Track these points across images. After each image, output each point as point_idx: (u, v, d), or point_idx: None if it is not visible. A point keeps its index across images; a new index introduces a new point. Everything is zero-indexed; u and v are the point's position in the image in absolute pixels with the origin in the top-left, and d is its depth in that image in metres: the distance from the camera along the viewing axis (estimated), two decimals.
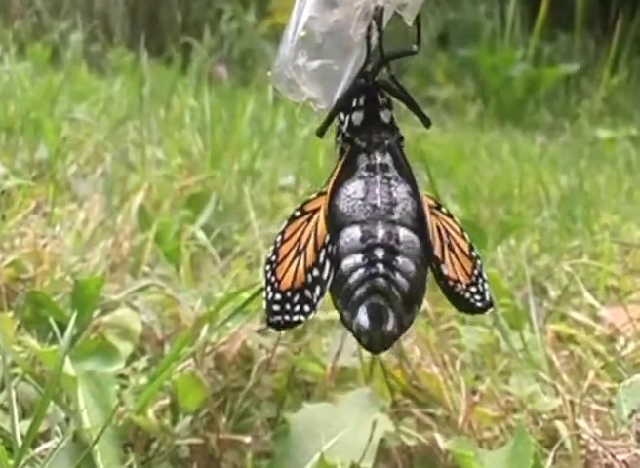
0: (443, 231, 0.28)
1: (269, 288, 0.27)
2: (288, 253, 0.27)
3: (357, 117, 0.27)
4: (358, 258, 0.25)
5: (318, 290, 0.26)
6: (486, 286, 0.28)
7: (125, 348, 0.51)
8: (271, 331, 0.28)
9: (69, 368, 0.43)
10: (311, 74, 0.24)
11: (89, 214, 0.72)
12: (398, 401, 0.49)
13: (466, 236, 0.29)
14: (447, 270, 0.27)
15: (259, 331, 0.49)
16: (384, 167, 0.27)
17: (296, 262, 0.27)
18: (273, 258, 0.27)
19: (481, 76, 2.66)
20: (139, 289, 0.59)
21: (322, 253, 0.26)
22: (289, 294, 0.27)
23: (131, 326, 0.54)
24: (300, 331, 0.54)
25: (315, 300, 0.26)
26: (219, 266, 0.67)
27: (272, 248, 0.27)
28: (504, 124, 2.24)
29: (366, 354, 0.49)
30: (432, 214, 0.28)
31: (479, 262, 0.29)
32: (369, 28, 0.24)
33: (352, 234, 0.26)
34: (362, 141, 0.27)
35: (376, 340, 0.25)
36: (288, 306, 0.27)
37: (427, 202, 0.27)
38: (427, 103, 2.37)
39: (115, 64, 1.75)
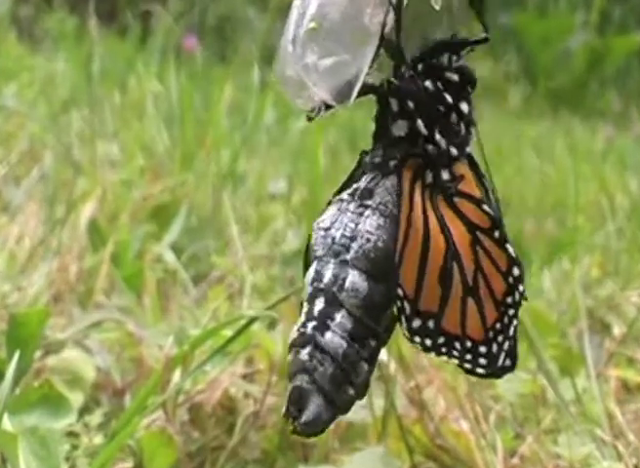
0: (469, 270, 0.29)
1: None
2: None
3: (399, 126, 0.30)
4: (305, 308, 0.28)
5: None
6: (505, 345, 0.30)
7: (75, 399, 0.53)
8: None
9: (6, 422, 0.46)
10: (323, 73, 0.27)
11: (24, 229, 0.75)
12: (418, 464, 0.51)
13: (515, 272, 0.30)
14: (431, 322, 0.29)
15: (245, 377, 0.52)
16: (366, 193, 0.29)
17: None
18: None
19: (528, 49, 2.68)
20: (91, 324, 0.61)
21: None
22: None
23: (82, 371, 0.56)
24: None
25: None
26: (192, 295, 0.69)
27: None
28: (558, 111, 2.26)
29: (378, 405, 0.51)
30: (472, 243, 0.29)
31: (510, 312, 0.30)
32: (387, 14, 0.26)
33: (310, 273, 0.29)
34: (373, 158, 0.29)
35: (300, 431, 0.28)
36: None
37: (480, 222, 0.29)
38: None
39: (55, 34, 1.78)
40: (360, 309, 0.28)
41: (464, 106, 0.30)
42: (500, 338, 0.30)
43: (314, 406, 0.27)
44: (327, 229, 0.28)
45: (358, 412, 0.52)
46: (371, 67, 0.27)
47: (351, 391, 0.28)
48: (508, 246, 0.29)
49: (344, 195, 0.29)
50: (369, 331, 0.28)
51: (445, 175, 0.29)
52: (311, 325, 0.28)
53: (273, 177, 1.02)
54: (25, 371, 0.53)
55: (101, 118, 1.12)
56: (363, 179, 0.29)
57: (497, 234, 0.29)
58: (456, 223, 0.29)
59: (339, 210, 0.29)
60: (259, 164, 1.05)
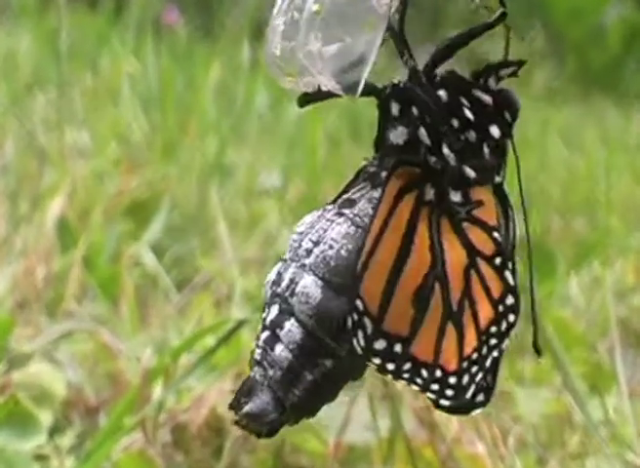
0: (456, 296, 0.30)
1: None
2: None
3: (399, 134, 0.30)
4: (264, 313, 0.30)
5: None
6: (477, 378, 0.30)
7: (44, 418, 0.54)
8: None
9: None
10: (329, 61, 0.28)
11: None
12: None
13: (507, 301, 0.31)
14: (398, 346, 0.30)
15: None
16: (347, 203, 0.30)
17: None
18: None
19: (555, 25, 2.69)
20: (61, 335, 0.62)
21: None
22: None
23: (51, 387, 0.57)
24: None
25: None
26: (175, 303, 0.70)
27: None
28: (589, 95, 2.26)
29: (384, 426, 0.52)
30: (469, 266, 0.30)
31: (492, 342, 0.30)
32: None
33: (270, 274, 0.30)
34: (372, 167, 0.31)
35: (241, 422, 0.30)
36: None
37: (483, 248, 0.30)
38: (478, 65, 2.40)
39: (17, 6, 1.79)
40: (312, 319, 0.29)
41: (494, 130, 0.31)
42: (473, 370, 0.30)
43: (260, 400, 0.29)
44: (300, 233, 0.30)
45: (361, 433, 0.53)
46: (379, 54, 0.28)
47: (299, 395, 0.29)
48: (508, 274, 0.30)
49: (330, 204, 0.30)
50: (322, 347, 0.29)
51: (455, 197, 0.30)
52: (264, 336, 0.29)
53: (266, 170, 1.03)
54: None
55: (70, 102, 1.12)
56: (353, 190, 0.30)
57: (498, 261, 0.30)
58: (455, 246, 0.29)
59: (318, 217, 0.30)
60: (249, 154, 1.05)
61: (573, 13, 2.65)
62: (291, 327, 0.29)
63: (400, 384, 0.54)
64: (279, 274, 0.30)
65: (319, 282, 0.29)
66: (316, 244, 0.29)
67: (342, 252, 0.29)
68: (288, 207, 0.93)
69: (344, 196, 0.30)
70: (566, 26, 2.66)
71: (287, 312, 0.29)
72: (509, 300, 0.30)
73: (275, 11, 0.28)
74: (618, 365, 0.62)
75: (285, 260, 0.30)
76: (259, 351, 0.30)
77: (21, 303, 0.67)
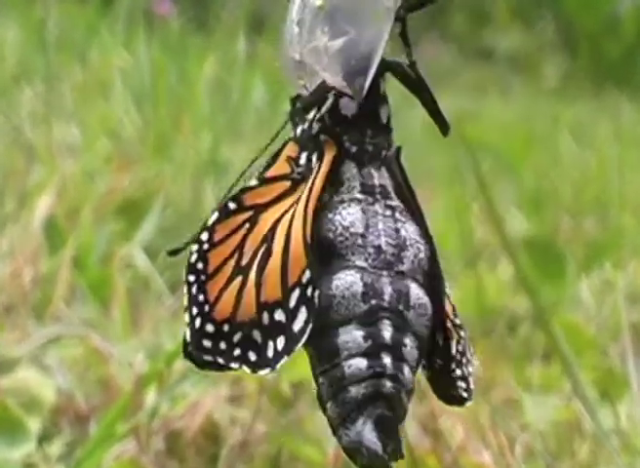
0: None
1: (196, 310, 0.30)
2: (223, 265, 0.30)
3: (347, 105, 0.30)
4: (357, 334, 0.28)
5: (281, 343, 0.29)
6: (469, 368, 0.31)
7: (32, 425, 0.55)
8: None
9: None
10: (334, 56, 0.28)
11: None
12: None
13: (449, 294, 0.31)
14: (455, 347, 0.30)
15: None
16: (385, 191, 0.30)
17: (237, 282, 0.30)
18: (200, 266, 0.30)
19: (567, 14, 2.69)
20: (49, 339, 0.63)
21: (295, 294, 0.29)
22: (226, 329, 0.29)
23: (40, 393, 0.58)
24: (290, 400, 0.58)
25: (272, 355, 0.29)
26: (168, 306, 0.70)
27: (196, 249, 0.30)
28: (602, 89, 2.26)
29: None
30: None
31: (463, 334, 0.31)
32: None
33: (351, 285, 0.28)
34: (352, 144, 0.30)
35: (379, 466, 0.28)
36: (223, 345, 0.29)
37: None
38: (483, 58, 2.41)
39: None
40: (428, 330, 0.29)
41: None
42: (464, 361, 0.31)
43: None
44: (362, 235, 0.29)
45: None
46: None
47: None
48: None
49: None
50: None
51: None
52: (388, 360, 0.29)
53: (262, 166, 1.03)
54: None
55: (59, 95, 1.13)
56: (360, 170, 0.31)
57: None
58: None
59: (365, 212, 0.30)
60: (245, 151, 1.06)
61: (585, 2, 2.65)
62: (411, 343, 0.28)
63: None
64: (367, 285, 0.29)
65: (422, 289, 0.29)
66: (402, 248, 0.29)
67: (425, 253, 0.29)
68: None
69: (371, 182, 0.30)
70: (578, 16, 2.65)
71: (402, 328, 0.28)
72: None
73: (294, 13, 0.29)
74: (630, 370, 0.62)
75: (360, 268, 0.29)
76: (390, 384, 0.28)
77: (8, 307, 0.68)
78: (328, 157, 0.30)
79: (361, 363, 0.28)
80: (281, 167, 0.30)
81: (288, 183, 0.30)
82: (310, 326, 0.28)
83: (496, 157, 1.19)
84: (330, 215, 0.29)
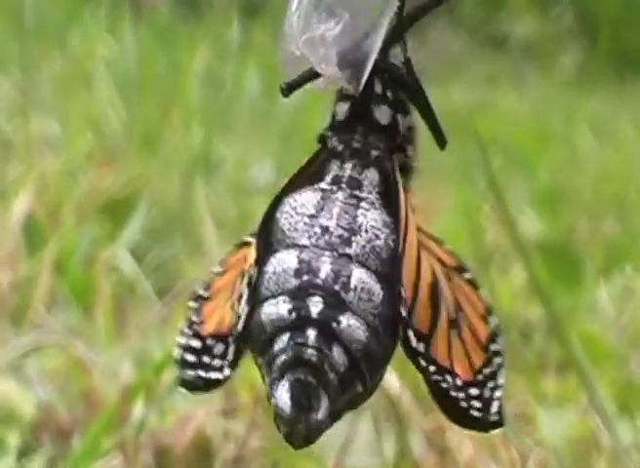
0: (450, 302, 0.32)
1: (186, 329, 0.32)
2: (222, 289, 0.32)
3: (342, 108, 0.32)
4: (283, 307, 0.29)
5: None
6: (497, 394, 0.31)
7: (10, 440, 0.55)
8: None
9: None
10: (332, 45, 0.29)
11: None
12: None
13: (492, 321, 0.32)
14: (421, 345, 0.31)
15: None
16: (355, 183, 0.31)
17: (226, 298, 0.32)
18: (203, 293, 0.32)
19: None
20: (29, 348, 0.63)
21: (244, 281, 0.30)
22: (210, 342, 0.31)
23: (18, 405, 0.58)
24: None
25: (230, 352, 0.30)
26: (156, 312, 0.71)
27: (205, 280, 0.32)
28: (624, 80, 2.26)
29: (390, 449, 0.53)
30: (447, 276, 0.32)
31: (498, 361, 0.32)
32: None
33: (284, 261, 0.29)
34: (339, 143, 0.31)
35: (299, 432, 0.29)
36: (206, 358, 0.31)
37: (446, 259, 0.32)
38: (495, 46, 2.41)
39: None
40: (377, 319, 0.30)
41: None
42: (490, 385, 0.32)
43: (324, 408, 0.29)
44: (310, 216, 0.30)
45: (364, 457, 0.54)
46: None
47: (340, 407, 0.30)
48: None
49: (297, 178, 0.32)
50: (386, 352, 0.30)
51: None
52: (312, 334, 0.30)
53: (258, 163, 1.04)
54: None
55: (37, 86, 1.13)
56: (332, 165, 0.32)
57: None
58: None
59: (322, 198, 0.31)
60: (239, 146, 1.06)
61: None
62: (348, 323, 0.29)
63: (407, 402, 0.55)
64: (303, 262, 0.29)
65: (373, 276, 0.29)
66: (355, 232, 0.30)
67: (390, 242, 0.30)
68: None
69: (343, 173, 0.31)
70: (598, 1, 2.66)
71: (337, 307, 0.29)
72: None
73: (294, 2, 0.29)
74: None
75: (300, 247, 0.29)
76: (311, 352, 0.28)
77: None
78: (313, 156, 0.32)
79: (284, 336, 0.28)
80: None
81: None
82: (247, 307, 0.29)
83: (508, 153, 1.19)
84: (285, 199, 0.30)
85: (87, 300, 0.70)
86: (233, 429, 0.55)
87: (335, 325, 0.28)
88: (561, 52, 2.48)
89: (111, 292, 0.71)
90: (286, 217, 0.30)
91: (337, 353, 0.28)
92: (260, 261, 0.29)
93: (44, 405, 0.59)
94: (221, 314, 0.31)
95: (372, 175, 0.31)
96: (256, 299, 0.29)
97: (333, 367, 0.28)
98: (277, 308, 0.29)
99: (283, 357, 0.28)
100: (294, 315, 0.28)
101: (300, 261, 0.29)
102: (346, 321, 0.29)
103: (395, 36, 0.30)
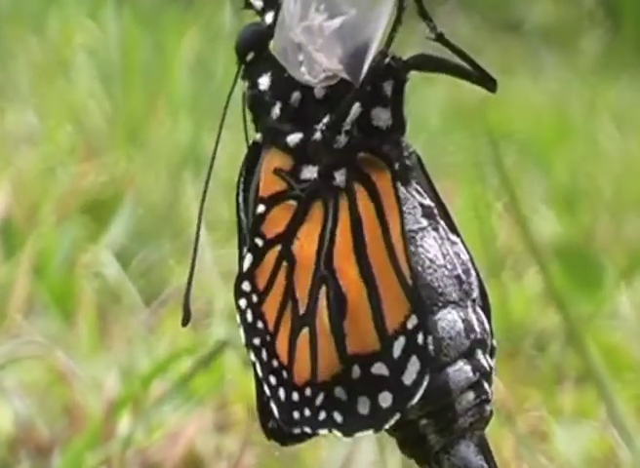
0: None
1: (275, 380, 0.30)
2: (280, 317, 0.31)
3: (381, 116, 0.31)
4: (467, 370, 0.31)
5: (386, 399, 0.30)
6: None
7: None
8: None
9: None
10: (330, 36, 0.29)
11: None
12: None
13: None
14: None
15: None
16: (433, 211, 0.32)
17: (305, 336, 0.30)
18: (261, 326, 0.31)
19: None
20: (6, 358, 0.63)
21: (400, 343, 0.30)
22: (309, 392, 0.30)
23: None
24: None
25: (368, 412, 0.30)
26: (143, 318, 0.71)
27: (245, 304, 0.31)
28: None
29: (395, 463, 0.54)
30: None
31: None
32: None
33: (454, 323, 0.31)
34: (395, 161, 0.31)
35: None
36: (308, 411, 0.30)
37: None
38: (510, 31, 2.41)
39: None
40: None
41: None
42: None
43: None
44: (450, 270, 0.32)
45: None
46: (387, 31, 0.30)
47: None
48: None
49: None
50: None
51: None
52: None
53: None
54: None
55: (12, 75, 1.13)
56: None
57: None
58: None
59: (435, 238, 0.32)
60: (230, 140, 1.06)
61: None
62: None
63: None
64: (465, 321, 0.31)
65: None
66: (468, 274, 0.31)
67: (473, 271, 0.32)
68: None
69: (427, 202, 0.31)
70: None
71: (490, 353, 0.32)
72: None
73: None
74: None
75: (454, 303, 0.31)
76: (489, 408, 0.31)
77: None
78: (385, 181, 0.31)
79: (469, 395, 0.31)
80: (272, 182, 0.31)
81: (293, 203, 0.31)
82: (427, 376, 0.30)
83: (523, 148, 1.19)
84: (412, 248, 0.30)
85: (68, 307, 0.70)
86: (226, 445, 0.56)
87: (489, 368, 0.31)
88: (581, 37, 2.48)
89: (94, 299, 0.71)
90: (429, 272, 0.31)
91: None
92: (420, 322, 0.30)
93: (22, 420, 0.59)
94: (306, 354, 0.30)
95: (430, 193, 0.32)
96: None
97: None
98: (463, 373, 0.30)
99: (469, 419, 0.30)
100: (477, 374, 0.31)
101: (464, 321, 0.31)
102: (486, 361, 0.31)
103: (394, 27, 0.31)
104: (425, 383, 0.30)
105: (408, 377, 0.30)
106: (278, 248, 0.31)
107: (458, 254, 0.31)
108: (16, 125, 1.01)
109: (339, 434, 0.30)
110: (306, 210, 0.31)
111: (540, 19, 2.52)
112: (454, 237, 0.32)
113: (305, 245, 0.30)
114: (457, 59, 0.32)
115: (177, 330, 0.66)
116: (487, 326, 0.31)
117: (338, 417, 0.30)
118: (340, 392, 0.30)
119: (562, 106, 1.59)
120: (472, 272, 0.31)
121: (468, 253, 0.32)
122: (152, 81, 1.10)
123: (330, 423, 0.30)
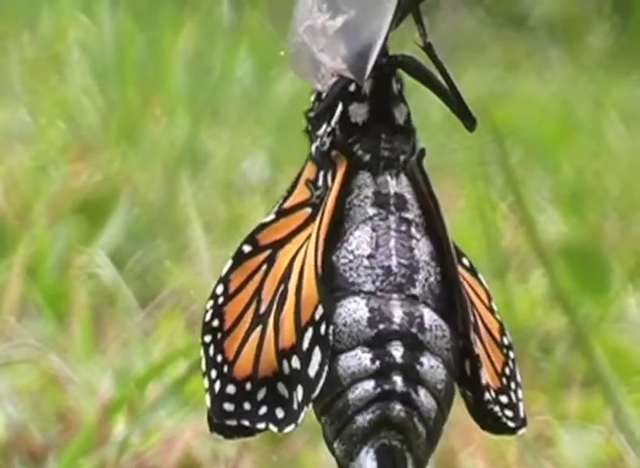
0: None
1: (215, 373, 0.32)
2: (241, 316, 0.32)
3: (357, 112, 0.32)
4: (364, 357, 0.30)
5: (300, 392, 0.31)
6: (520, 395, 0.33)
7: None
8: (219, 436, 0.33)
9: None
10: (334, 36, 0.30)
11: None
12: None
13: (495, 309, 0.33)
14: (486, 376, 0.32)
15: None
16: (401, 201, 0.32)
17: (257, 333, 0.31)
18: (216, 324, 0.32)
19: None
20: None
21: (308, 334, 0.30)
22: (249, 387, 0.31)
23: None
24: (283, 436, 0.59)
25: (296, 407, 0.31)
26: (138, 321, 0.71)
27: (210, 305, 0.32)
28: None
29: None
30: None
31: (512, 355, 0.33)
32: None
33: (355, 311, 0.30)
34: (365, 152, 0.32)
35: None
36: (247, 405, 0.31)
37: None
38: (515, 25, 2.41)
39: None
40: (450, 353, 0.31)
41: None
42: (512, 386, 0.33)
43: None
44: (369, 256, 0.31)
45: None
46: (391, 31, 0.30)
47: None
48: None
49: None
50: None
51: None
52: (399, 379, 0.30)
53: (249, 157, 1.04)
54: None
55: (4, 71, 1.13)
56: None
57: None
58: None
59: (377, 227, 0.32)
60: (228, 138, 1.06)
61: None
62: (430, 364, 0.30)
63: None
64: (374, 310, 0.30)
65: (435, 312, 0.31)
66: (413, 270, 0.31)
67: (436, 274, 0.31)
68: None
69: (385, 191, 0.32)
70: None
71: (417, 348, 0.30)
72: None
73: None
74: None
75: (367, 293, 0.31)
76: (399, 407, 0.30)
77: None
78: (339, 175, 0.31)
79: (367, 384, 0.30)
80: (301, 193, 0.32)
81: (309, 210, 0.32)
82: (326, 367, 0.30)
83: (528, 145, 1.19)
84: (344, 238, 0.31)
85: (62, 310, 0.71)
86: (223, 450, 0.56)
87: (418, 367, 0.30)
88: (588, 32, 2.48)
89: (89, 301, 0.71)
90: (344, 262, 0.31)
91: (423, 396, 0.30)
92: (328, 314, 0.30)
93: (15, 425, 0.59)
94: (252, 351, 0.31)
95: (408, 187, 0.32)
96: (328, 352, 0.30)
97: (422, 416, 0.30)
98: (357, 359, 0.30)
99: (368, 416, 0.29)
100: (377, 363, 0.30)
101: (372, 310, 0.30)
102: (428, 362, 0.30)
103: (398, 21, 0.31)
104: (324, 374, 0.30)
105: (312, 369, 0.30)
106: (267, 253, 0.32)
107: (410, 249, 0.31)
108: (7, 122, 1.01)
109: (274, 429, 0.31)
110: (315, 216, 0.32)
111: (545, 14, 2.52)
112: (419, 234, 0.31)
113: (289, 248, 0.32)
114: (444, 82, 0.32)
115: (172, 332, 0.66)
116: (432, 322, 0.30)
117: (279, 413, 0.31)
118: (282, 388, 0.31)
119: (568, 103, 1.59)
120: (430, 270, 0.31)
121: (450, 254, 0.31)
122: (148, 78, 1.10)
123: (269, 418, 0.31)
